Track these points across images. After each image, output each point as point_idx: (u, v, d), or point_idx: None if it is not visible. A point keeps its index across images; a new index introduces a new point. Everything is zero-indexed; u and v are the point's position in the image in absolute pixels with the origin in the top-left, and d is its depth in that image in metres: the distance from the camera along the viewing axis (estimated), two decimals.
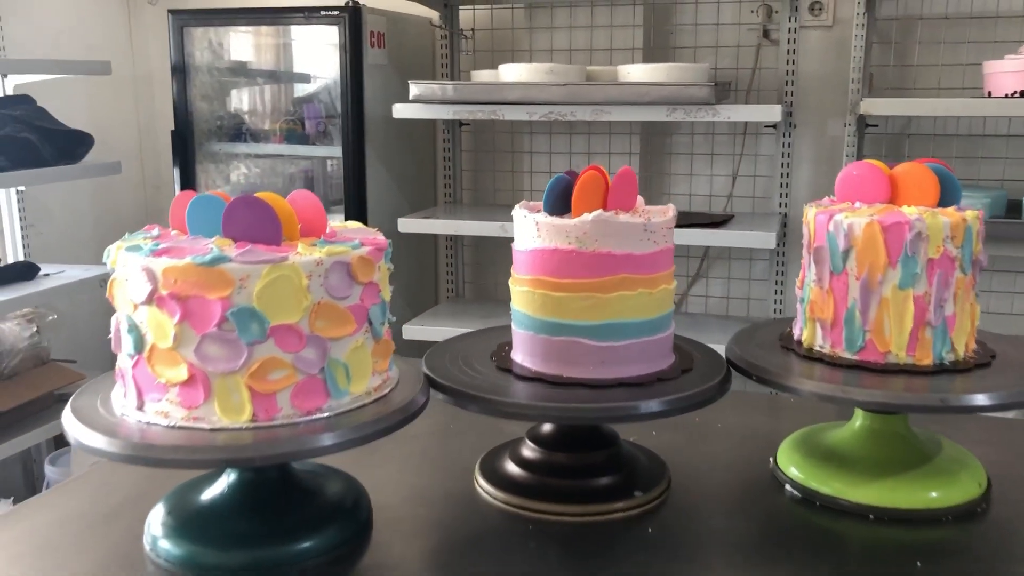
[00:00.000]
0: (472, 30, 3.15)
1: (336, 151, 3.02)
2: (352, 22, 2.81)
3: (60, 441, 2.94)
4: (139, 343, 0.91)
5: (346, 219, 3.05)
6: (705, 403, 1.04)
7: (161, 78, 3.45)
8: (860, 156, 2.78)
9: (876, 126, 2.79)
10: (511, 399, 1.02)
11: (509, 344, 1.15)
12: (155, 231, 1.01)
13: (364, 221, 2.94)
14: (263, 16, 3.01)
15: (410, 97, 2.67)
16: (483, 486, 1.14)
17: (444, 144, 3.18)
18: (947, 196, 1.09)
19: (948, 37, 2.75)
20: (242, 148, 3.12)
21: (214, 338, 0.88)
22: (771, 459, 1.20)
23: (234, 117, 3.20)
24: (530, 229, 1.07)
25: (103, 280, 2.92)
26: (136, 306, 0.90)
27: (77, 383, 2.79)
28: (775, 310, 2.90)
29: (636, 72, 2.56)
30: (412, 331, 2.86)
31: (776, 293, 2.89)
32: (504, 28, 3.14)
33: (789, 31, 2.77)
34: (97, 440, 0.88)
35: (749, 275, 3.04)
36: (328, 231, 1.01)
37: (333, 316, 0.92)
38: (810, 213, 1.12)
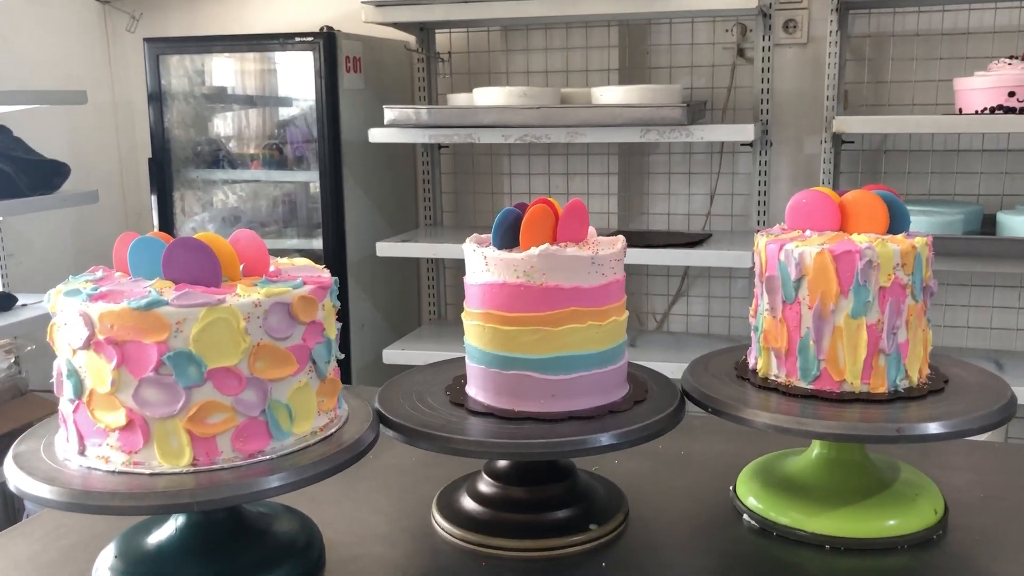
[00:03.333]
0: (448, 53, 3.16)
1: (314, 176, 3.02)
2: (327, 48, 2.81)
3: None
4: (78, 388, 0.90)
5: (324, 245, 3.06)
6: (655, 435, 1.03)
7: (141, 106, 3.45)
8: (837, 173, 2.79)
9: (852, 143, 2.80)
10: (461, 436, 1.01)
11: (465, 378, 1.15)
12: (99, 273, 1.00)
13: (342, 245, 2.94)
14: (239, 44, 3.01)
15: (385, 121, 2.68)
16: (440, 523, 1.13)
17: (424, 167, 3.18)
18: (896, 223, 1.09)
19: (920, 54, 2.76)
20: (220, 175, 3.12)
21: (151, 382, 0.87)
22: (731, 488, 1.19)
23: (212, 143, 3.20)
24: (479, 263, 1.06)
25: None
26: (75, 351, 0.90)
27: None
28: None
29: (610, 94, 2.56)
30: (393, 355, 2.85)
31: None
32: (480, 51, 3.15)
33: (763, 49, 2.78)
34: (38, 488, 0.88)
35: (729, 293, 3.04)
36: (272, 270, 1.01)
37: (273, 357, 0.91)
38: (761, 242, 1.12)
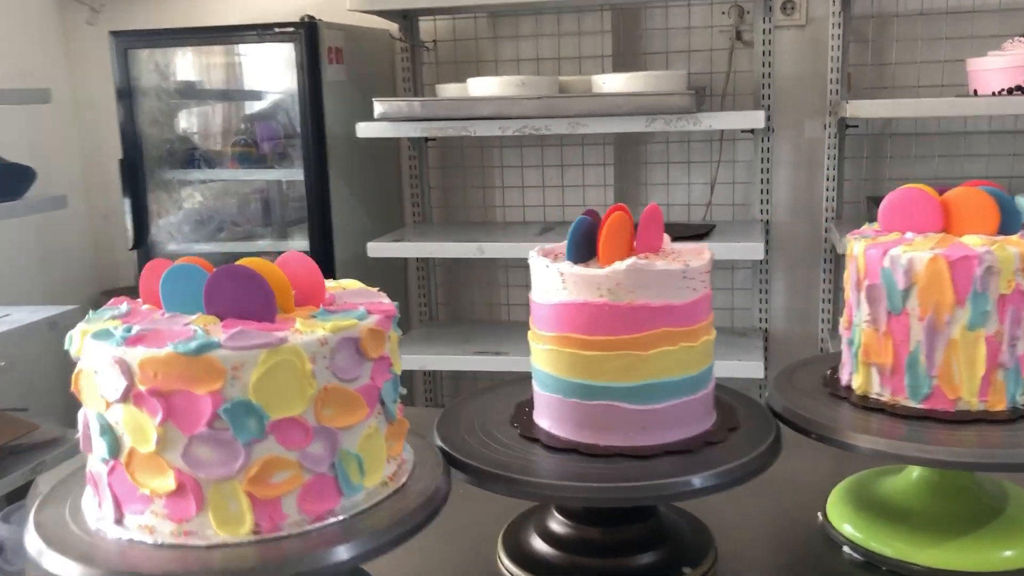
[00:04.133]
0: (434, 41, 3.02)
1: (296, 173, 2.87)
2: (308, 39, 2.66)
3: (13, 496, 2.75)
4: (115, 447, 0.77)
5: (311, 245, 2.92)
6: (761, 470, 0.93)
7: (105, 103, 3.26)
8: (841, 159, 2.71)
9: (857, 127, 2.72)
10: (545, 479, 0.89)
11: (529, 404, 1.03)
12: (123, 307, 0.87)
13: (330, 245, 2.79)
14: (214, 36, 2.84)
15: (375, 115, 2.53)
16: (507, 566, 1.02)
17: (411, 162, 3.04)
18: (1008, 223, 0.99)
19: (925, 33, 2.69)
20: (196, 175, 2.95)
21: (205, 439, 0.74)
22: (820, 514, 1.09)
23: (185, 142, 3.03)
24: (554, 280, 0.94)
25: (52, 323, 2.75)
26: (109, 404, 0.76)
27: (29, 434, 2.61)
28: (760, 319, 2.81)
29: (612, 82, 2.45)
30: None
31: (761, 303, 2.80)
32: (467, 39, 3.01)
33: (764, 32, 2.68)
34: (69, 568, 0.74)
35: (732, 284, 2.95)
36: (327, 297, 0.88)
37: (342, 402, 0.79)
38: (857, 246, 1.01)
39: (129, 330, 0.78)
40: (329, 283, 0.95)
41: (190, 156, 2.96)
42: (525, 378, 1.05)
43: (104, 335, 0.77)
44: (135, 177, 2.87)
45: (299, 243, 2.96)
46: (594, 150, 2.94)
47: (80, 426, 0.81)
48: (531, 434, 0.98)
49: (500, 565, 1.03)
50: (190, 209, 3.07)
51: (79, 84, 3.38)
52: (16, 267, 3.10)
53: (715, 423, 0.99)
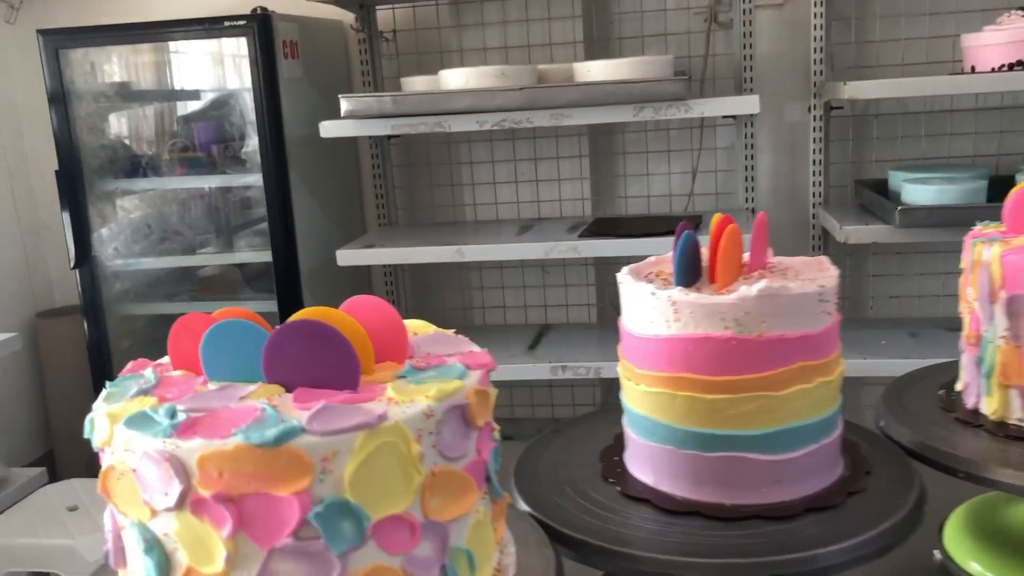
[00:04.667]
0: (393, 31, 2.83)
1: (250, 179, 2.65)
2: (262, 32, 2.45)
3: None
4: (164, 567, 0.59)
5: (274, 255, 2.71)
6: (918, 521, 0.79)
7: (29, 109, 2.99)
8: (828, 141, 2.61)
9: (842, 108, 2.62)
10: (674, 555, 0.74)
11: (617, 451, 0.88)
12: (149, 374, 0.69)
13: (294, 255, 2.59)
14: (158, 32, 2.59)
15: (342, 113, 2.34)
16: None
17: (373, 160, 2.85)
18: None
19: (907, 9, 2.60)
20: (142, 184, 2.71)
21: (290, 553, 0.57)
22: (936, 552, 0.97)
23: (127, 148, 2.78)
24: (662, 311, 0.79)
25: None
26: (156, 512, 0.59)
27: None
28: None
29: (597, 70, 2.30)
30: None
31: None
32: (429, 28, 2.82)
33: (743, 12, 2.56)
34: None
35: None
36: (409, 352, 0.71)
37: (451, 487, 0.63)
38: (989, 252, 0.89)
39: (173, 414, 0.60)
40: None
41: (134, 164, 2.71)
42: (588, 418, 0.90)
43: (143, 423, 0.60)
44: (73, 189, 2.62)
45: (253, 253, 2.75)
46: (568, 142, 2.79)
47: (109, 535, 0.64)
48: (635, 492, 0.83)
49: None
50: (135, 219, 2.82)
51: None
52: None
53: (846, 467, 0.85)
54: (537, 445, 0.96)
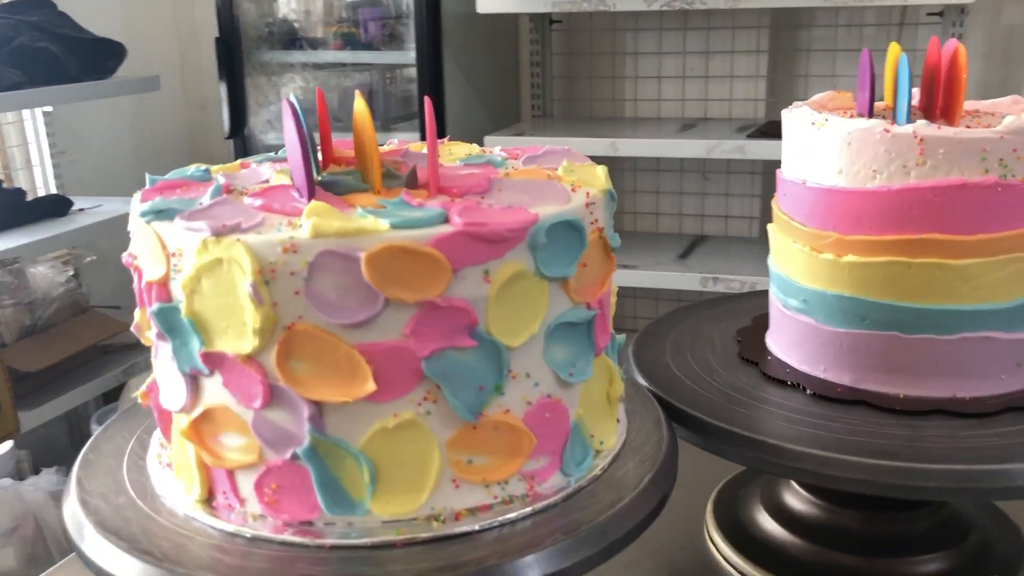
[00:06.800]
0: None
1: (406, 56, 2.56)
2: None
3: (109, 396, 2.61)
4: None
5: (421, 137, 2.63)
6: None
7: None
8: None
9: None
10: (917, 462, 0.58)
11: (757, 330, 0.73)
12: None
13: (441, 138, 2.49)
14: None
15: None
16: (722, 549, 0.73)
17: (532, 47, 2.70)
18: None
19: None
20: (298, 56, 2.67)
21: None
22: None
23: (285, 22, 2.74)
24: (902, 152, 0.61)
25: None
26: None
27: (123, 333, 2.44)
28: None
29: None
30: None
31: None
32: None
33: None
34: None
35: None
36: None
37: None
38: None
39: None
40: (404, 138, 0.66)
41: (291, 37, 2.67)
42: (730, 297, 0.75)
43: None
44: (231, 59, 2.61)
45: (406, 136, 2.68)
46: (746, 34, 2.54)
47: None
48: (805, 382, 0.68)
49: (710, 545, 0.74)
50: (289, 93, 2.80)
51: None
52: (108, 155, 2.91)
53: None
54: (668, 320, 0.82)
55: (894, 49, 0.70)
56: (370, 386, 0.53)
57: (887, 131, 0.60)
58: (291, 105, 0.60)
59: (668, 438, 0.60)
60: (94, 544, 0.53)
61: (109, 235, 2.42)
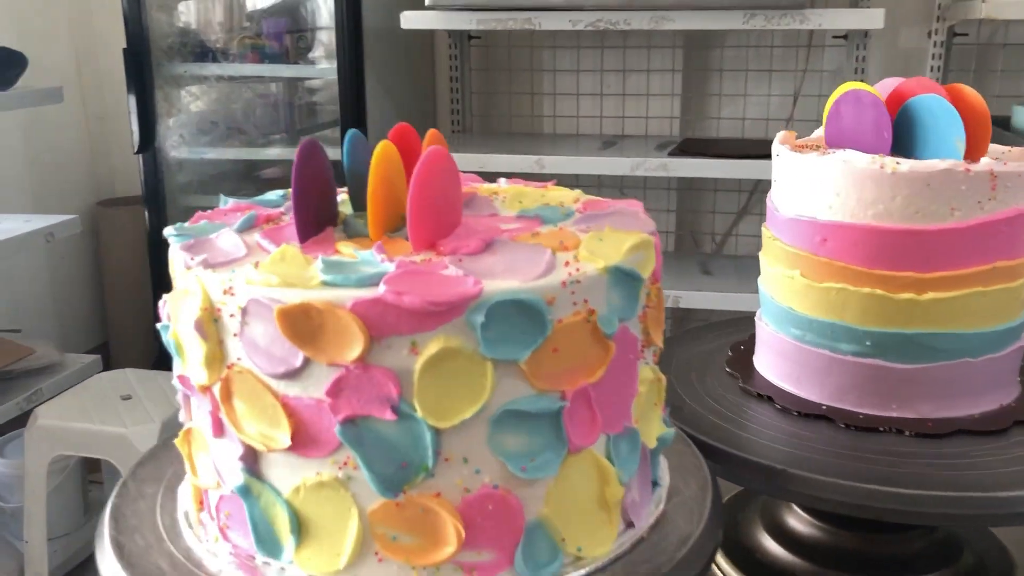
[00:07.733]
0: None
1: (323, 71, 2.52)
2: None
3: (11, 424, 2.46)
4: None
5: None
6: None
7: None
8: (947, 71, 2.40)
9: (966, 35, 2.40)
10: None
11: (745, 348, 0.74)
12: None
13: None
14: None
15: (426, 2, 2.19)
16: (725, 569, 0.74)
17: (451, 62, 2.69)
18: None
19: None
20: (213, 69, 2.59)
21: None
22: None
23: (194, 33, 2.66)
24: (975, 189, 0.62)
25: (48, 234, 2.41)
26: None
27: (25, 359, 2.31)
28: None
29: None
30: None
31: None
32: None
33: None
34: None
35: None
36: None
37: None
38: None
39: None
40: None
41: (203, 47, 2.59)
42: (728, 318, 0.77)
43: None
44: (141, 70, 2.51)
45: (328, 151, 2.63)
46: (661, 54, 2.61)
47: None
48: (797, 406, 0.70)
49: (712, 566, 0.75)
50: (201, 111, 2.71)
51: None
52: (3, 170, 2.75)
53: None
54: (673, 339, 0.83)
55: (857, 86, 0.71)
56: (286, 440, 0.52)
57: (966, 170, 0.61)
58: (313, 146, 0.60)
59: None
60: None
61: (6, 255, 2.29)
